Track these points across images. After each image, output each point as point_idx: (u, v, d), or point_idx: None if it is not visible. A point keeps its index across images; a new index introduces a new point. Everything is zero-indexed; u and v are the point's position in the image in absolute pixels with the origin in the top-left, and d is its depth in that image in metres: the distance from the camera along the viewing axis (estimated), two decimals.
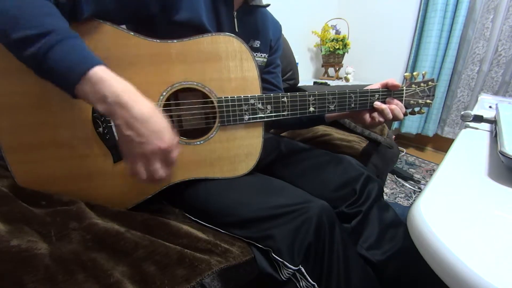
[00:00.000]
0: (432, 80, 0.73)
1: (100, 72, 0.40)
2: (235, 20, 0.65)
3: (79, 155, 0.53)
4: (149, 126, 0.41)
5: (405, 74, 0.72)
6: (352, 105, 0.68)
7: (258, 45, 0.71)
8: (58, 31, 0.40)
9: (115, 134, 0.53)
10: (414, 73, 0.72)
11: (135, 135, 0.41)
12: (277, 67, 0.81)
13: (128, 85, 0.42)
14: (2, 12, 0.38)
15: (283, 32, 0.84)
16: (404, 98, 0.71)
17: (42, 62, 0.39)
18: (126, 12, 0.52)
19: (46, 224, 0.46)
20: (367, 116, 0.71)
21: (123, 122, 0.41)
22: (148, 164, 0.43)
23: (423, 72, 0.74)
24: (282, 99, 0.61)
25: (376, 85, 0.71)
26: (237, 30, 0.65)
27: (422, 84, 0.72)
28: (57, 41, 0.39)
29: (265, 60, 0.75)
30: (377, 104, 0.68)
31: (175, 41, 0.53)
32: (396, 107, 0.68)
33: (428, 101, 0.73)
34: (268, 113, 0.61)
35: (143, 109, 0.41)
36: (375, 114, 0.69)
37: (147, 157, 0.43)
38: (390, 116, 0.67)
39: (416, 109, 0.75)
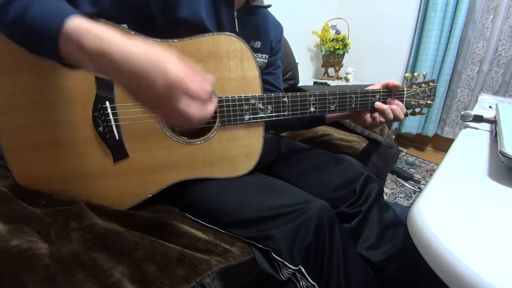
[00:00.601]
0: (433, 81, 0.74)
1: (74, 25, 0.35)
2: (236, 20, 0.64)
3: (79, 155, 0.53)
4: (144, 66, 0.34)
5: (406, 74, 0.72)
6: (353, 106, 0.68)
7: (259, 46, 0.71)
8: None
9: (115, 133, 0.53)
10: (415, 74, 0.72)
11: (136, 81, 0.35)
12: (277, 68, 0.81)
13: (106, 31, 0.36)
14: None
15: (283, 32, 0.84)
16: (405, 99, 0.71)
17: (23, 23, 0.37)
18: (127, 11, 0.52)
19: (46, 224, 0.46)
20: (367, 117, 0.71)
21: (117, 76, 0.35)
22: (172, 107, 0.36)
23: (424, 73, 0.74)
24: (283, 99, 0.61)
25: (376, 85, 0.71)
26: (237, 30, 0.65)
27: (423, 85, 0.73)
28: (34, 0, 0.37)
29: (266, 61, 0.75)
30: (378, 104, 0.68)
31: (175, 40, 0.53)
32: (397, 107, 0.68)
33: (428, 101, 0.74)
34: (269, 113, 0.61)
35: (131, 50, 0.34)
36: (376, 114, 0.69)
37: (163, 98, 0.35)
38: (391, 116, 0.68)
39: (417, 109, 0.75)
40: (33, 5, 0.37)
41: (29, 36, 0.38)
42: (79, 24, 0.35)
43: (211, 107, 0.39)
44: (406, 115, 0.75)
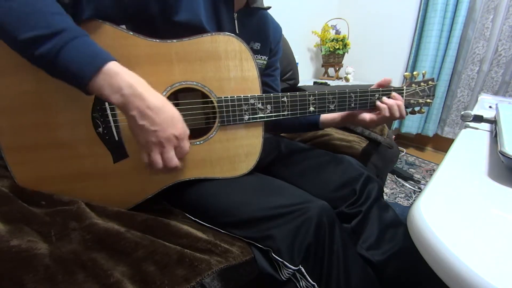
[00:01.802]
0: (432, 80, 0.73)
1: (114, 65, 0.43)
2: (236, 21, 0.64)
3: (79, 155, 0.53)
4: (162, 115, 0.44)
5: (405, 73, 0.72)
6: (352, 105, 0.68)
7: (258, 47, 0.71)
8: (70, 29, 0.41)
9: (115, 134, 0.53)
10: (414, 73, 0.72)
11: (150, 123, 0.43)
12: (276, 70, 0.81)
13: (140, 78, 0.44)
14: (8, 12, 0.38)
15: (283, 32, 0.84)
16: (404, 98, 0.71)
17: (55, 61, 0.40)
18: (126, 12, 0.52)
19: (46, 224, 0.46)
20: (366, 117, 0.71)
21: (138, 112, 0.43)
22: (163, 152, 0.46)
23: (423, 72, 0.74)
24: (282, 99, 0.61)
25: (373, 87, 0.71)
26: (237, 31, 0.65)
27: (422, 84, 0.72)
28: (70, 39, 0.40)
29: (265, 62, 0.75)
30: (385, 99, 0.68)
31: (174, 40, 0.53)
32: (402, 103, 0.68)
33: (428, 100, 0.73)
34: (268, 113, 0.61)
35: (156, 99, 0.44)
36: (379, 111, 0.69)
37: (162, 144, 0.45)
38: (397, 113, 0.67)
39: (416, 108, 0.75)
40: (68, 46, 0.40)
41: (59, 72, 0.43)
42: (116, 67, 0.43)
43: (179, 166, 0.49)
44: (406, 114, 0.75)
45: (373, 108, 0.70)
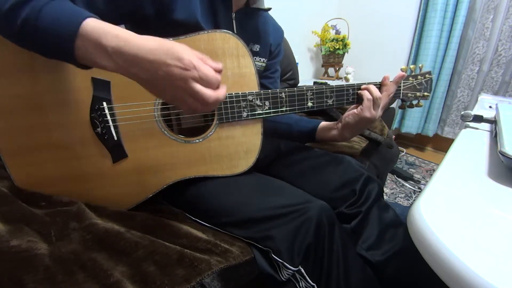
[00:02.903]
0: (429, 73, 0.74)
1: (90, 25, 0.38)
2: (234, 21, 0.64)
3: (78, 156, 0.53)
4: (158, 55, 0.38)
5: (402, 67, 0.71)
6: (350, 100, 0.68)
7: (258, 49, 0.71)
8: None
9: (113, 133, 0.53)
10: (411, 66, 0.72)
11: (151, 73, 0.38)
12: (275, 72, 0.81)
13: (120, 29, 0.39)
14: None
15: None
16: (402, 91, 0.71)
17: (36, 24, 0.38)
18: (121, 13, 0.52)
19: (46, 224, 0.46)
20: (354, 109, 0.70)
21: (135, 69, 0.38)
22: (190, 93, 0.39)
23: (420, 65, 0.74)
24: (280, 95, 0.61)
25: None
26: (235, 32, 0.65)
27: (419, 77, 0.73)
28: (48, 1, 0.38)
29: (264, 64, 0.75)
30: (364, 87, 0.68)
31: (171, 39, 0.53)
32: (370, 86, 0.67)
33: (425, 93, 0.74)
34: (267, 109, 0.61)
35: (145, 44, 0.38)
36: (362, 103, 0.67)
37: (178, 85, 0.39)
38: (370, 97, 0.66)
39: (414, 102, 0.75)
40: (44, 9, 0.38)
41: (43, 39, 0.39)
42: (95, 24, 0.38)
43: (223, 90, 0.41)
44: (403, 107, 0.75)
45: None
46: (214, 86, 0.41)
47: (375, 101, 0.66)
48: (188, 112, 0.41)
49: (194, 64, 0.38)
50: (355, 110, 0.68)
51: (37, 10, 0.38)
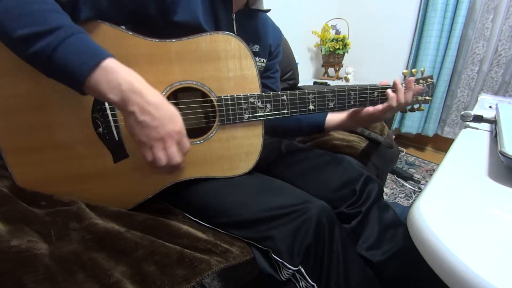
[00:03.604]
0: (431, 77, 0.73)
1: (112, 62, 0.42)
2: (234, 22, 0.64)
3: (79, 156, 0.53)
4: (162, 111, 0.43)
5: (404, 71, 0.71)
6: (352, 103, 0.67)
7: (257, 50, 0.71)
8: (67, 27, 0.40)
9: (115, 134, 0.53)
10: (413, 70, 0.72)
11: (150, 119, 0.42)
12: (276, 72, 0.81)
13: (138, 75, 0.44)
14: (4, 10, 0.38)
15: (283, 32, 0.84)
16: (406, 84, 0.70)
17: (50, 58, 0.39)
18: (124, 14, 0.52)
19: (46, 224, 0.46)
20: (370, 109, 0.69)
21: (138, 108, 0.42)
22: (166, 147, 0.44)
23: (422, 69, 0.74)
24: (282, 97, 0.61)
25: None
26: (236, 33, 0.65)
27: (421, 81, 0.73)
28: (67, 36, 0.40)
29: (264, 65, 0.75)
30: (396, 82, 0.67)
31: (173, 40, 0.53)
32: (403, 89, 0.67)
33: (427, 97, 0.73)
34: (268, 112, 0.61)
35: (155, 96, 0.43)
36: (391, 98, 0.67)
37: (164, 139, 0.44)
38: (403, 99, 0.66)
39: (416, 106, 0.75)
40: (64, 43, 0.39)
41: (54, 70, 0.41)
42: (114, 64, 0.42)
43: (182, 164, 0.47)
44: (404, 111, 0.75)
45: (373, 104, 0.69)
46: (183, 155, 0.47)
47: (398, 106, 0.67)
48: (148, 162, 0.45)
49: (183, 132, 0.46)
50: (379, 107, 0.68)
51: (55, 45, 0.39)
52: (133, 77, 0.42)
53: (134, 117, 0.42)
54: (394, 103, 0.66)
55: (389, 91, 0.67)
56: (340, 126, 0.78)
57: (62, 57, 0.39)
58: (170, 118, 0.44)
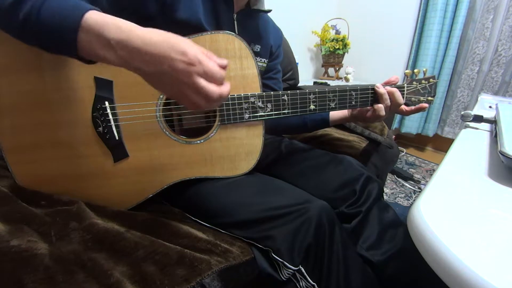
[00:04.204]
0: (433, 77, 0.73)
1: (94, 15, 0.38)
2: (235, 22, 0.64)
3: (79, 155, 0.53)
4: (164, 51, 0.37)
5: (406, 71, 0.71)
6: (353, 103, 0.67)
7: (258, 50, 0.71)
8: None
9: (115, 133, 0.53)
10: (415, 70, 0.72)
11: (154, 68, 0.37)
12: (277, 73, 0.81)
13: (126, 22, 0.38)
14: None
15: (283, 32, 0.84)
16: (405, 95, 0.71)
17: (37, 19, 0.38)
18: (124, 12, 0.52)
19: (46, 224, 0.46)
20: (369, 112, 0.70)
21: (139, 63, 0.37)
22: (194, 88, 0.38)
23: (424, 69, 0.74)
24: (282, 97, 0.61)
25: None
26: (237, 32, 0.65)
27: (423, 81, 0.72)
28: None
29: (265, 65, 0.75)
30: (378, 86, 0.68)
31: None
32: (396, 90, 0.67)
33: (429, 98, 0.73)
34: (269, 111, 0.61)
35: (146, 37, 0.37)
36: (376, 106, 0.68)
37: (183, 81, 0.37)
38: (389, 102, 0.67)
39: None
40: (46, 4, 0.38)
41: (45, 34, 0.39)
42: (98, 17, 0.37)
43: (227, 87, 0.41)
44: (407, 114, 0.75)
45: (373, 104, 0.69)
46: (218, 82, 0.40)
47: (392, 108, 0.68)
48: (191, 108, 0.40)
49: (199, 58, 0.37)
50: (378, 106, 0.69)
51: (39, 4, 0.38)
52: (118, 28, 0.37)
53: (141, 73, 0.38)
54: (383, 112, 0.67)
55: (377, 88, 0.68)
56: (341, 121, 0.79)
57: (47, 17, 0.37)
58: (174, 51, 0.37)
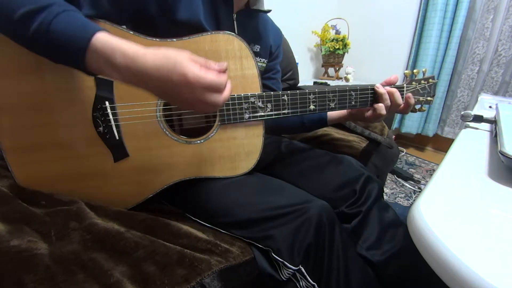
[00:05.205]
0: (433, 77, 0.73)
1: (101, 37, 0.40)
2: (235, 22, 0.64)
3: (80, 155, 0.53)
4: (166, 75, 0.39)
5: (405, 71, 0.71)
6: (353, 103, 0.67)
7: (258, 50, 0.71)
8: (59, 3, 0.40)
9: (115, 133, 0.53)
10: (415, 71, 0.72)
11: (162, 90, 0.41)
12: (277, 73, 0.81)
13: (131, 46, 0.40)
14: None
15: (283, 32, 0.84)
16: (404, 96, 0.71)
17: (47, 35, 0.39)
18: (125, 13, 0.52)
19: (46, 224, 0.46)
20: (369, 112, 0.70)
21: (148, 86, 0.41)
22: (200, 100, 0.41)
23: (423, 70, 0.74)
24: (282, 97, 0.61)
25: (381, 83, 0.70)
26: (236, 33, 0.65)
27: (422, 81, 0.72)
28: (59, 12, 0.39)
29: (264, 65, 0.75)
30: (378, 86, 0.68)
31: (174, 40, 0.53)
32: (396, 90, 0.67)
33: (429, 98, 0.73)
34: (269, 112, 0.61)
35: (149, 63, 0.39)
36: (376, 106, 0.68)
37: (190, 98, 0.41)
38: (389, 102, 0.67)
39: (417, 106, 0.75)
40: (55, 21, 0.39)
41: (54, 50, 0.41)
42: (103, 41, 0.40)
43: (227, 90, 0.44)
44: (406, 112, 0.75)
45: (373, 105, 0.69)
46: (221, 89, 0.42)
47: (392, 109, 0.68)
48: (201, 113, 0.45)
49: (199, 76, 0.39)
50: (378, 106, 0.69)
51: (48, 21, 0.39)
52: (122, 54, 0.39)
53: (149, 91, 0.42)
54: (383, 111, 0.67)
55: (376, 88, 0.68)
56: (339, 120, 0.79)
57: (57, 34, 0.39)
58: (175, 75, 0.39)
